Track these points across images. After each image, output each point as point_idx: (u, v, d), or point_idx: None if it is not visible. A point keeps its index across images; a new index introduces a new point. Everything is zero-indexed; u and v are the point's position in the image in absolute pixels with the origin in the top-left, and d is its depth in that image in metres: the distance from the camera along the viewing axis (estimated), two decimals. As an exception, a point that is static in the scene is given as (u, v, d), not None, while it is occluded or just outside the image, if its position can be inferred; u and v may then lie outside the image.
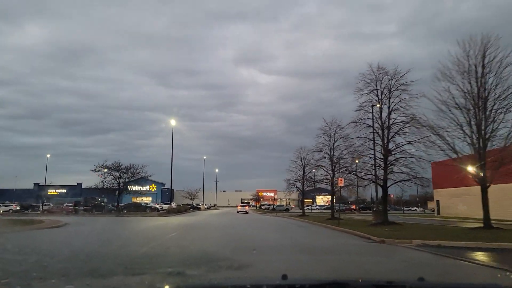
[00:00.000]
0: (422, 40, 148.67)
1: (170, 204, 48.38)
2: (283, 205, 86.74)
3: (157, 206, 50.53)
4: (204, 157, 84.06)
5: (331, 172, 32.15)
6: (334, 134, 31.69)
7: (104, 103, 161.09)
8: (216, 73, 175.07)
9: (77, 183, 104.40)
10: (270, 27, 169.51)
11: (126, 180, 44.96)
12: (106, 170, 43.35)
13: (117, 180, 43.90)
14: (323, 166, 33.59)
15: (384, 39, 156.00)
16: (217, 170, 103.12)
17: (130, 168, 44.63)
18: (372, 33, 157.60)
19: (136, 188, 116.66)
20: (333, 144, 31.75)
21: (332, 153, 31.90)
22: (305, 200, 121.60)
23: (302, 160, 42.32)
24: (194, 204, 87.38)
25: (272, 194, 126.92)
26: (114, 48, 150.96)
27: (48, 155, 75.45)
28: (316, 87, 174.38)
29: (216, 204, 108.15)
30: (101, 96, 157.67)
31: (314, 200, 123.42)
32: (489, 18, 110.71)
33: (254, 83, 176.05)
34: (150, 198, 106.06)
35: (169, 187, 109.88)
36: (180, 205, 58.98)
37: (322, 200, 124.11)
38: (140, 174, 45.45)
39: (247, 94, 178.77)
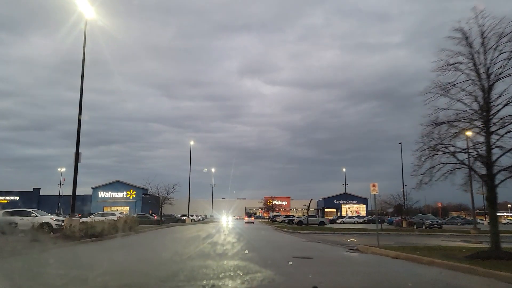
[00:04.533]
0: (428, 50, 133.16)
1: (73, 214, 21.98)
2: (315, 216, 58.57)
3: (52, 219, 24.66)
4: (192, 143, 59.78)
5: None
6: None
7: (107, 114, 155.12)
8: (221, 84, 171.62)
9: (34, 188, 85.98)
10: (275, 38, 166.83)
11: None
12: None
13: None
14: None
15: (389, 50, 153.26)
16: (213, 170, 78.84)
17: None
18: (378, 44, 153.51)
19: (108, 194, 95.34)
20: None
21: None
22: (327, 209, 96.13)
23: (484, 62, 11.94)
24: (177, 216, 62.84)
25: (285, 203, 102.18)
26: (119, 59, 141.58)
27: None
28: (320, 98, 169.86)
29: (212, 215, 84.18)
30: (105, 108, 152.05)
31: (339, 210, 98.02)
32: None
33: (258, 94, 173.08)
34: (127, 208, 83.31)
35: (153, 194, 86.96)
36: (129, 216, 35.08)
37: (350, 209, 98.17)
38: None
39: (251, 105, 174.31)
